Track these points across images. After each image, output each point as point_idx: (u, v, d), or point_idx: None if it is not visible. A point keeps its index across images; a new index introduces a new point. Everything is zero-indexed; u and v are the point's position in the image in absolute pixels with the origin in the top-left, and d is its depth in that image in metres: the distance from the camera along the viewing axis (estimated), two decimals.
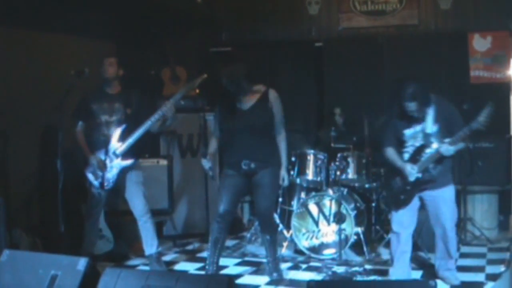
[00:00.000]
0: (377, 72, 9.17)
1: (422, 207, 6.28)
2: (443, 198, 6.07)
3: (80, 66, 6.44)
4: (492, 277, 6.45)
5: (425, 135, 5.93)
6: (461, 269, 6.86)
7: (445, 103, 6.00)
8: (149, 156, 8.34)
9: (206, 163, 6.56)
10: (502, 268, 6.74)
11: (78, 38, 8.23)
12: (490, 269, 6.80)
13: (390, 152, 6.18)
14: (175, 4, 8.85)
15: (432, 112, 5.90)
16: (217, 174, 7.62)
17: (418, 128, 5.97)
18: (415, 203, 6.14)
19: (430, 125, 5.91)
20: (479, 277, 6.54)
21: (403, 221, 6.17)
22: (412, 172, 5.95)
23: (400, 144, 6.13)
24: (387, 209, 6.61)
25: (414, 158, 5.98)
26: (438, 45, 8.97)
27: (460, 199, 8.23)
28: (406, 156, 6.07)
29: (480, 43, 8.96)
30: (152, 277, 3.98)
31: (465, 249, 7.76)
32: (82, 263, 4.18)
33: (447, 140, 5.79)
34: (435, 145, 5.86)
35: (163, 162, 8.48)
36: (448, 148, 5.77)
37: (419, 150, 5.96)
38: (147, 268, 7.02)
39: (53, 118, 6.41)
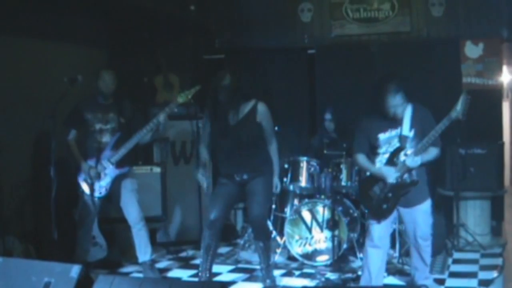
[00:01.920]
0: (369, 79, 9.18)
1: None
2: (420, 212, 5.96)
3: (73, 73, 6.44)
4: (485, 283, 6.47)
5: (402, 138, 5.78)
6: (454, 275, 6.91)
7: (423, 109, 5.88)
8: (142, 164, 8.35)
9: (202, 179, 6.60)
10: (494, 274, 6.76)
11: (70, 45, 8.24)
12: (482, 275, 6.81)
13: (362, 159, 6.05)
14: (168, 11, 8.86)
15: (409, 116, 5.80)
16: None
17: (393, 132, 5.83)
18: (393, 216, 6.01)
19: (406, 128, 5.78)
20: (472, 283, 6.56)
21: (384, 234, 6.04)
22: (390, 173, 5.80)
23: (372, 150, 5.99)
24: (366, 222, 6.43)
25: (392, 161, 5.81)
26: (430, 52, 8.99)
27: (453, 205, 8.27)
28: (379, 164, 5.91)
29: (472, 49, 8.99)
30: (145, 284, 3.99)
31: (458, 255, 7.78)
32: (75, 270, 4.18)
33: (410, 151, 5.70)
34: (409, 151, 5.72)
35: (156, 169, 8.47)
36: (413, 159, 5.66)
37: (396, 153, 5.79)
38: (140, 275, 7.02)
39: (46, 125, 6.40)
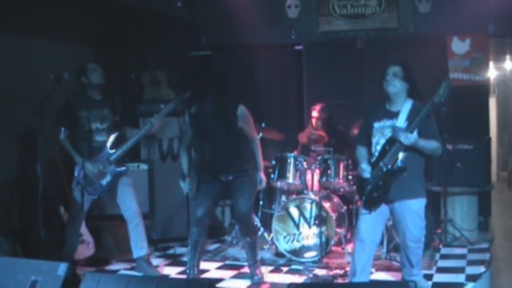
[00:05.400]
0: (356, 75, 9.20)
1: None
2: (410, 210, 5.90)
3: (59, 71, 6.41)
4: (472, 278, 6.49)
5: (394, 129, 5.79)
6: (441, 270, 6.93)
7: (421, 105, 5.86)
8: (129, 161, 8.32)
9: (185, 186, 6.67)
10: (482, 269, 6.80)
11: (56, 42, 8.19)
12: (470, 270, 6.84)
13: (358, 152, 6.17)
14: (155, 8, 8.84)
15: (407, 111, 5.83)
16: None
17: (387, 122, 5.87)
18: (385, 212, 5.99)
19: (401, 121, 5.80)
20: (460, 278, 6.58)
21: (372, 228, 5.99)
22: (366, 170, 5.88)
23: (368, 139, 6.05)
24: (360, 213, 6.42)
25: (385, 149, 5.82)
26: (417, 48, 8.99)
27: (440, 200, 8.29)
28: (374, 155, 5.94)
29: (459, 45, 9.01)
30: (132, 282, 3.97)
31: (445, 250, 7.82)
32: (62, 268, 4.15)
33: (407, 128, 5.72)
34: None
35: (144, 166, 8.47)
36: (407, 136, 5.63)
37: (389, 142, 5.80)
38: (128, 272, 7.01)
39: (33, 123, 6.37)
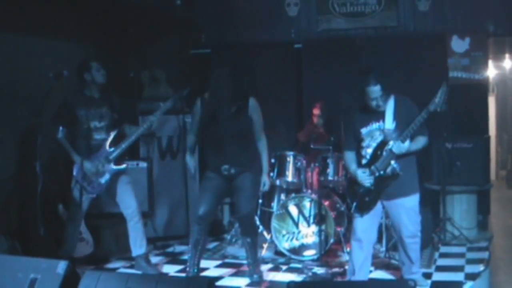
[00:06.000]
0: (356, 73, 9.18)
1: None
2: (404, 207, 5.94)
3: (58, 68, 6.39)
4: (471, 277, 6.50)
5: (385, 132, 5.81)
6: (440, 268, 6.94)
7: (406, 101, 5.92)
8: (128, 159, 8.30)
9: (189, 161, 6.66)
10: (481, 267, 6.80)
11: (56, 40, 8.18)
12: (469, 269, 6.85)
13: (346, 157, 6.14)
14: (154, 5, 8.82)
15: (392, 109, 5.84)
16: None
17: (375, 125, 5.87)
18: (379, 210, 6.03)
19: (389, 121, 5.81)
20: (459, 276, 6.59)
21: (367, 227, 6.02)
22: (364, 176, 5.87)
23: (358, 144, 6.03)
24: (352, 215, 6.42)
25: (376, 154, 5.83)
26: (416, 46, 9.00)
27: (439, 199, 8.29)
28: (366, 158, 5.94)
29: (458, 44, 9.01)
30: (132, 280, 3.97)
31: (444, 249, 7.82)
32: (61, 266, 4.15)
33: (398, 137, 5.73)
34: (391, 142, 5.74)
35: (143, 164, 8.45)
36: (399, 146, 5.68)
37: (380, 146, 5.81)
38: (127, 270, 7.00)
39: (32, 121, 6.36)
